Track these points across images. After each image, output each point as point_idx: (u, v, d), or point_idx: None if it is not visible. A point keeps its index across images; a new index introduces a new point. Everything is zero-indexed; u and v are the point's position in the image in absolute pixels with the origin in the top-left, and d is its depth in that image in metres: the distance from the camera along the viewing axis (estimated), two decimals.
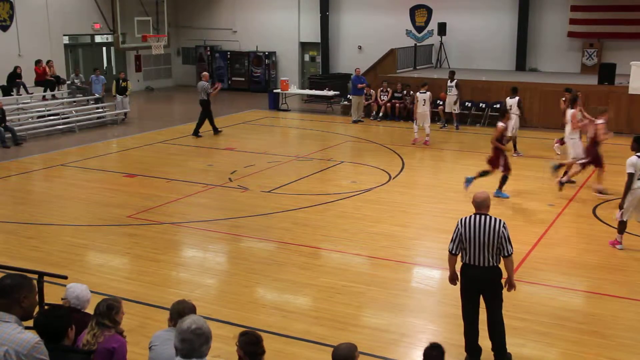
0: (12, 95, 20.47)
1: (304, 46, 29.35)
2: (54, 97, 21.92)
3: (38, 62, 21.35)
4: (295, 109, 24.64)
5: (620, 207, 9.64)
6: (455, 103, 19.92)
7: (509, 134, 16.18)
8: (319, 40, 28.32)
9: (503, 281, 6.53)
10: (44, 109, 20.60)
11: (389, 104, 21.82)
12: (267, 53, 28.98)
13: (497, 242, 6.28)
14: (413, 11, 26.65)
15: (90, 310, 5.17)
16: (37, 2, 24.15)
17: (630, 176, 9.36)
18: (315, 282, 8.70)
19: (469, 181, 12.57)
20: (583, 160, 12.66)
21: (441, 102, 20.37)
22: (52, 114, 20.27)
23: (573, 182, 13.40)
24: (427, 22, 26.44)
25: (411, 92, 20.84)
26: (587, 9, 23.32)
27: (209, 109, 19.00)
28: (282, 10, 28.69)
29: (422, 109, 17.45)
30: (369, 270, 9.31)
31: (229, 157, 16.50)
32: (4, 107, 18.18)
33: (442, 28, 25.04)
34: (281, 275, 8.96)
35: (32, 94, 21.08)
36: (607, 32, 23.18)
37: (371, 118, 21.86)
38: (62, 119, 20.22)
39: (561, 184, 12.65)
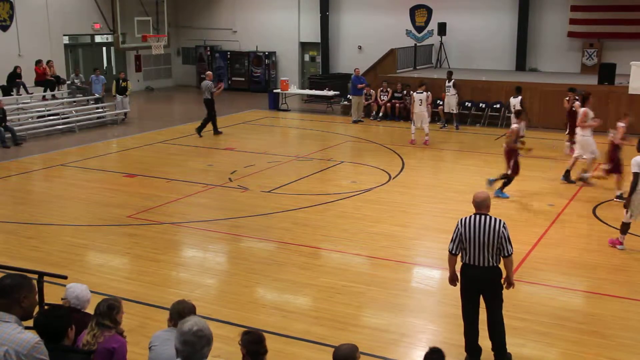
0: (12, 95, 20.46)
1: (304, 46, 29.35)
2: (54, 97, 21.92)
3: (38, 62, 21.35)
4: (295, 109, 24.65)
5: (625, 206, 9.60)
6: (456, 103, 19.92)
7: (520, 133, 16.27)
8: (319, 40, 28.32)
9: (503, 281, 6.53)
10: (44, 109, 20.60)
11: (389, 104, 21.82)
12: (267, 53, 28.98)
13: (497, 242, 6.28)
14: (413, 11, 26.65)
15: (90, 310, 5.18)
16: (37, 2, 24.15)
17: (636, 176, 9.31)
18: (315, 282, 8.70)
19: (490, 182, 12.53)
20: (606, 166, 12.50)
21: (441, 102, 20.38)
22: (52, 114, 20.27)
23: (573, 182, 13.42)
24: (427, 22, 26.44)
25: (411, 92, 20.82)
26: (587, 9, 23.31)
27: (213, 108, 19.00)
28: (282, 10, 28.70)
29: (419, 109, 17.45)
30: (369, 270, 9.31)
31: (229, 157, 16.50)
32: (5, 107, 18.18)
33: (442, 28, 25.04)
34: (281, 275, 8.96)
35: (32, 94, 21.08)
36: (607, 32, 23.17)
37: (371, 118, 21.86)
38: (62, 119, 20.22)
39: (583, 180, 12.71)
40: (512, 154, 12.43)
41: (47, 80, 21.53)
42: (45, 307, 5.28)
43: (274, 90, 24.84)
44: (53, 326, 4.02)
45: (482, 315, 6.57)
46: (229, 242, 10.54)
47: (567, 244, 10.22)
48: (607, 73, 19.55)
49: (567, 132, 16.67)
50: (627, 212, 9.55)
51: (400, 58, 23.43)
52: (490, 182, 12.56)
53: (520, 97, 16.43)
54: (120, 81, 21.74)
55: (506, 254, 6.34)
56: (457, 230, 6.44)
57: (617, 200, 12.17)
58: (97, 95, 22.14)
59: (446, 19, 25.22)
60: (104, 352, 4.50)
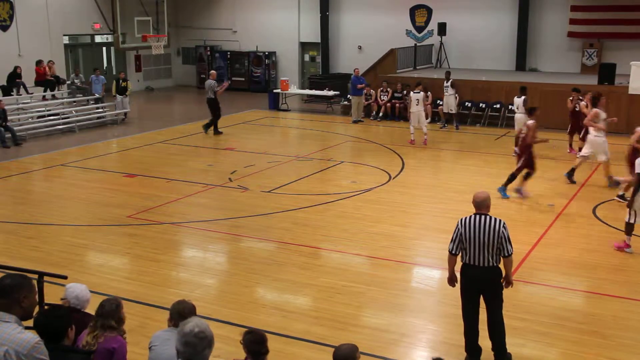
0: (12, 95, 20.47)
1: (304, 46, 29.35)
2: (54, 97, 21.92)
3: (39, 63, 21.36)
4: (295, 109, 24.65)
5: (628, 206, 9.58)
6: (454, 103, 19.92)
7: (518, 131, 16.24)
8: (319, 40, 28.32)
9: (502, 280, 6.53)
10: (44, 109, 20.60)
11: (389, 104, 21.82)
12: (267, 53, 28.98)
13: (497, 242, 6.28)
14: (413, 11, 26.65)
15: (90, 310, 5.17)
16: (37, 2, 24.15)
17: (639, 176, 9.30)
18: (315, 282, 8.70)
19: (518, 191, 12.47)
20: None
21: (441, 102, 20.39)
22: (52, 114, 20.27)
23: (574, 182, 13.38)
24: (427, 22, 26.44)
25: (411, 92, 20.84)
26: (587, 9, 23.31)
27: (218, 107, 19.02)
28: (282, 10, 28.70)
29: (415, 109, 17.45)
30: (369, 270, 9.31)
31: (229, 157, 16.50)
32: (5, 107, 18.17)
33: (442, 28, 25.04)
34: (281, 275, 8.96)
35: (32, 94, 21.08)
36: (607, 32, 23.17)
37: (371, 118, 21.87)
38: (62, 119, 20.22)
39: (616, 183, 12.69)
40: (526, 150, 12.35)
41: (47, 80, 21.53)
42: (45, 307, 5.27)
43: (274, 90, 24.85)
44: (53, 326, 4.02)
45: (482, 315, 6.57)
46: (229, 242, 10.54)
47: (567, 244, 10.22)
48: (607, 73, 19.54)
49: (568, 132, 16.67)
50: (629, 212, 9.50)
51: (400, 58, 23.43)
52: (519, 192, 12.46)
53: (524, 97, 16.31)
54: (120, 81, 21.74)
55: (506, 254, 6.34)
56: (457, 230, 6.44)
57: (619, 200, 12.15)
58: (97, 95, 22.14)
59: (446, 19, 25.22)
60: (104, 352, 4.50)
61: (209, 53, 30.22)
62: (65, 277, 6.40)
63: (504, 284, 6.54)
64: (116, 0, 21.90)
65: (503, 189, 12.47)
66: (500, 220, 6.36)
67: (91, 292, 5.43)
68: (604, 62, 21.57)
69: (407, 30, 26.73)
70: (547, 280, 8.77)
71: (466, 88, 20.82)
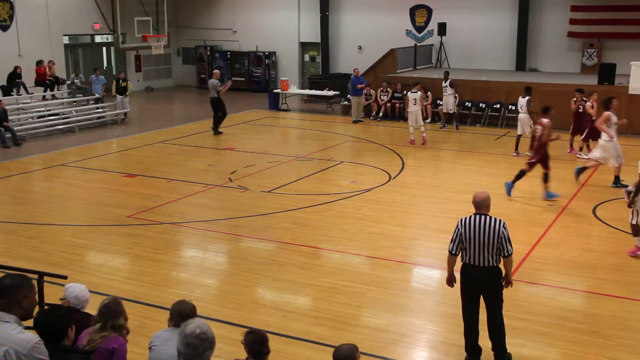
0: (12, 95, 20.47)
1: (304, 46, 29.35)
2: (54, 97, 21.92)
3: (39, 63, 21.36)
4: (295, 109, 24.65)
5: (629, 206, 9.56)
6: (454, 103, 19.92)
7: (522, 132, 16.17)
8: (319, 40, 28.32)
9: (502, 280, 6.54)
10: (44, 109, 20.61)
11: (389, 104, 21.82)
12: (267, 53, 28.98)
13: (497, 242, 6.28)
14: (413, 11, 26.65)
15: (89, 310, 5.17)
16: (37, 2, 24.16)
17: None
18: (315, 282, 8.70)
19: (550, 196, 12.36)
20: None
21: (441, 102, 20.38)
22: (52, 114, 20.28)
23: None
24: (427, 22, 26.45)
25: (409, 92, 20.85)
26: (587, 9, 23.31)
27: (219, 106, 19.04)
28: (282, 10, 28.70)
29: (413, 108, 17.46)
30: (369, 270, 9.31)
31: (229, 157, 16.51)
32: (5, 108, 18.17)
33: (442, 28, 25.04)
34: (281, 275, 8.96)
35: (32, 94, 21.09)
36: (607, 32, 23.18)
37: (371, 118, 21.87)
38: (62, 119, 20.22)
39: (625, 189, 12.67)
40: (541, 149, 12.27)
41: (46, 80, 21.53)
42: (45, 307, 5.27)
43: (274, 90, 24.85)
44: (53, 326, 4.02)
45: (482, 315, 6.57)
46: (229, 242, 10.54)
47: (567, 244, 10.22)
48: (607, 73, 19.54)
49: (570, 132, 16.63)
50: (632, 213, 9.46)
51: (400, 58, 23.44)
52: (549, 196, 12.37)
53: (528, 98, 16.14)
54: (120, 81, 21.74)
55: (506, 254, 6.34)
56: (457, 230, 6.44)
57: (622, 188, 12.01)
58: (97, 95, 22.15)
59: (446, 19, 25.22)
60: (104, 352, 4.50)
61: (209, 53, 30.22)
62: (65, 277, 6.40)
63: (503, 284, 6.54)
64: (116, 0, 21.90)
65: (510, 185, 12.38)
66: (500, 220, 6.36)
67: (91, 292, 5.43)
68: (604, 62, 21.57)
69: (407, 30, 26.73)
70: (547, 280, 8.77)
71: (466, 88, 20.82)
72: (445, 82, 19.85)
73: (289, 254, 9.74)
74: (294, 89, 24.91)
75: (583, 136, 15.88)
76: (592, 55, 23.53)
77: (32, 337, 3.62)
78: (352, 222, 11.13)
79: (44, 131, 19.51)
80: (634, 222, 9.42)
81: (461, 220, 6.47)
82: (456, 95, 20.03)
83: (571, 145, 16.66)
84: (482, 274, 6.39)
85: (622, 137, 14.47)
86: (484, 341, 6.61)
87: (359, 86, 21.29)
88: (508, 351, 6.61)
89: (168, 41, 25.03)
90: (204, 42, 30.37)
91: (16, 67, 20.82)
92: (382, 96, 21.90)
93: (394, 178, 14.15)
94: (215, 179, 14.02)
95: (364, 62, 24.12)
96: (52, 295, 6.06)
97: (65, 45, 26.10)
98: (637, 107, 18.51)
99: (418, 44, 25.57)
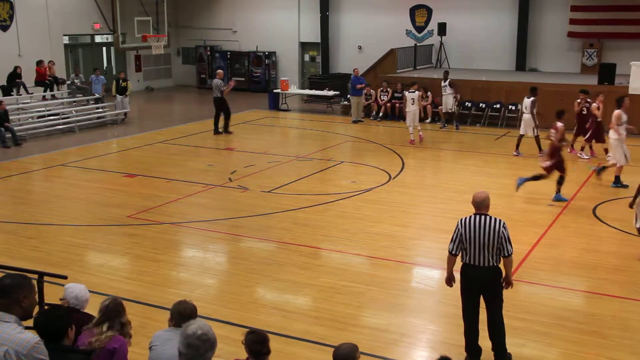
0: (12, 95, 20.47)
1: (304, 46, 29.35)
2: (53, 97, 21.92)
3: (40, 63, 21.36)
4: (295, 109, 24.65)
5: (631, 206, 9.54)
6: (455, 102, 19.90)
7: (524, 133, 16.09)
8: (319, 40, 28.32)
9: (502, 281, 6.53)
10: (44, 109, 20.61)
11: (389, 104, 21.82)
12: (267, 53, 28.98)
13: (497, 242, 6.28)
14: (413, 11, 26.65)
15: (89, 310, 5.17)
16: (37, 2, 24.15)
17: None
18: (315, 282, 8.70)
19: (558, 199, 12.24)
20: None
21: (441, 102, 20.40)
22: (52, 114, 20.28)
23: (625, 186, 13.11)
24: (427, 22, 26.44)
25: (406, 91, 20.85)
26: (587, 9, 23.31)
27: (223, 106, 19.08)
28: (282, 10, 28.69)
29: (411, 108, 17.48)
30: (369, 270, 9.31)
31: (229, 157, 16.51)
32: (6, 108, 18.17)
33: (442, 28, 25.04)
34: (281, 275, 8.96)
35: (32, 94, 21.09)
36: (607, 32, 23.18)
37: (371, 118, 21.87)
38: (62, 119, 20.22)
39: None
40: (556, 153, 12.19)
41: (46, 81, 21.53)
42: (45, 307, 5.27)
43: (274, 90, 24.85)
44: (53, 326, 4.02)
45: (482, 315, 6.57)
46: (229, 242, 10.54)
47: (567, 244, 10.22)
48: (607, 73, 19.54)
49: (574, 133, 16.57)
50: (635, 216, 9.39)
51: (400, 58, 23.43)
52: (557, 198, 12.25)
53: (532, 99, 15.97)
54: (120, 81, 21.74)
55: (506, 254, 6.34)
56: (457, 230, 6.44)
57: (622, 188, 11.91)
58: (97, 95, 22.15)
59: (446, 19, 25.22)
60: (105, 351, 4.50)
61: (209, 53, 30.22)
62: (65, 277, 6.40)
63: (503, 285, 6.54)
64: (116, 0, 21.90)
65: (523, 181, 12.29)
66: (500, 220, 6.36)
67: (91, 292, 5.43)
68: (604, 62, 21.57)
69: (407, 30, 26.73)
70: (547, 280, 8.77)
71: (466, 88, 20.82)
72: (444, 82, 19.85)
73: (289, 254, 9.74)
74: (294, 89, 24.91)
75: (586, 136, 15.76)
76: (592, 55, 23.53)
77: (32, 337, 3.62)
78: (352, 222, 11.13)
79: (44, 131, 19.51)
80: (638, 225, 9.38)
81: (461, 220, 6.47)
82: (456, 95, 20.03)
83: (572, 145, 16.62)
84: (482, 274, 6.39)
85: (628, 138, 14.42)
86: (484, 341, 6.61)
87: (359, 86, 21.29)
88: (508, 351, 6.61)
89: (168, 41, 25.03)
90: (204, 42, 30.37)
91: (16, 67, 20.82)
92: (382, 96, 21.90)
93: (394, 178, 14.15)
94: (215, 179, 14.02)
95: (364, 62, 24.12)
96: (52, 295, 6.06)
97: (65, 45, 26.11)
98: (637, 107, 18.49)
99: (418, 44, 25.57)
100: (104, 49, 28.85)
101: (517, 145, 16.32)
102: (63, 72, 24.37)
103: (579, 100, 16.27)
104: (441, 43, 25.29)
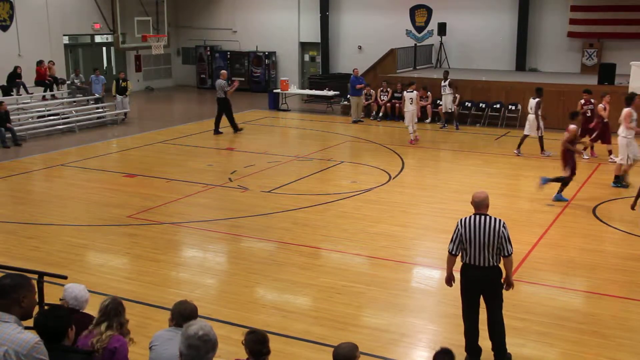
0: (12, 95, 20.47)
1: (304, 46, 29.35)
2: (53, 97, 21.92)
3: (40, 63, 21.36)
4: (295, 109, 24.65)
5: (632, 207, 9.53)
6: (454, 102, 19.90)
7: (529, 133, 16.04)
8: (319, 40, 28.32)
9: (503, 281, 6.53)
10: (44, 109, 20.61)
11: (389, 104, 21.82)
12: (267, 53, 28.98)
13: (497, 242, 6.28)
14: (413, 11, 26.65)
15: (90, 310, 5.17)
16: (37, 2, 24.15)
17: None
18: (315, 282, 8.70)
19: (558, 198, 12.19)
20: None
21: (441, 102, 20.37)
22: (52, 114, 20.28)
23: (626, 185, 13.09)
24: (427, 22, 26.44)
25: (405, 91, 20.83)
26: (587, 9, 23.31)
27: (226, 106, 19.11)
28: (282, 10, 28.69)
29: (410, 108, 17.49)
30: (369, 270, 9.31)
31: (229, 157, 16.51)
32: (7, 109, 18.17)
33: (442, 28, 25.04)
34: (281, 275, 8.96)
35: (32, 94, 21.09)
36: (607, 32, 23.17)
37: (371, 118, 21.87)
38: (62, 119, 20.23)
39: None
40: (569, 155, 12.14)
41: (46, 81, 21.53)
42: (45, 307, 5.27)
43: (274, 90, 24.85)
44: (53, 326, 4.02)
45: (482, 315, 6.57)
46: (229, 242, 10.54)
47: (567, 244, 10.22)
48: (607, 73, 19.53)
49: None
50: None
51: (400, 58, 23.43)
52: (544, 182, 12.22)
53: (538, 100, 15.84)
54: (120, 81, 21.74)
55: (506, 254, 6.34)
56: (457, 230, 6.44)
57: (623, 188, 11.83)
58: (97, 95, 22.15)
59: (446, 19, 25.22)
60: (105, 351, 4.50)
61: (209, 53, 30.21)
62: (65, 277, 6.40)
63: (504, 286, 6.54)
64: (116, 0, 21.89)
65: (547, 181, 12.22)
66: (500, 220, 6.36)
67: (91, 292, 5.43)
68: (604, 62, 21.55)
69: (407, 30, 26.72)
70: (547, 280, 8.77)
71: (466, 88, 20.81)
72: (444, 82, 19.85)
73: (289, 254, 9.74)
74: (294, 89, 24.91)
75: (592, 137, 15.59)
76: (592, 55, 23.52)
77: (32, 337, 3.62)
78: (352, 222, 11.13)
79: (44, 131, 19.51)
80: None
81: (461, 220, 6.47)
82: (456, 95, 20.02)
83: (591, 148, 16.43)
84: (482, 274, 6.39)
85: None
86: (484, 341, 6.61)
87: (358, 86, 21.28)
88: (508, 351, 6.61)
89: (168, 41, 25.01)
90: (204, 42, 30.37)
91: (16, 67, 20.82)
92: (382, 96, 21.90)
93: (394, 178, 14.15)
94: (215, 179, 14.02)
95: (364, 62, 24.12)
96: (52, 295, 6.06)
97: (65, 45, 26.10)
98: (638, 107, 18.47)
99: (418, 44, 25.56)
100: (104, 49, 28.85)
101: (519, 145, 16.26)
102: (63, 72, 24.36)
103: (582, 101, 16.15)
104: (441, 43, 25.28)
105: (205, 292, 8.54)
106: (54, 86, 22.02)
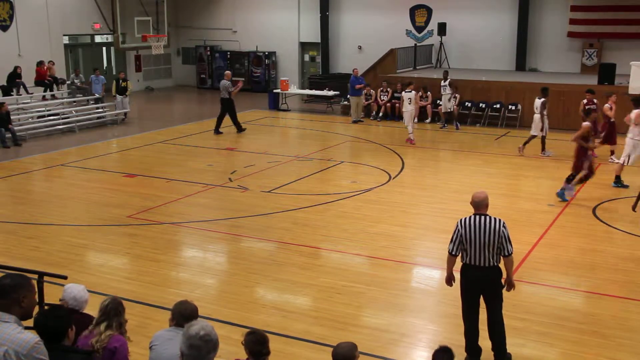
0: (12, 95, 20.47)
1: (304, 46, 29.35)
2: (53, 97, 21.92)
3: (40, 63, 21.35)
4: (295, 109, 24.64)
5: (633, 208, 9.52)
6: (449, 101, 19.88)
7: (535, 133, 16.01)
8: (319, 40, 28.32)
9: (503, 281, 6.53)
10: (44, 109, 20.61)
11: (388, 104, 21.82)
12: (267, 53, 28.97)
13: (497, 242, 6.28)
14: (413, 11, 26.64)
15: (90, 310, 5.17)
16: (37, 2, 24.15)
17: None
18: (315, 282, 8.70)
19: (561, 194, 12.17)
20: None
21: (440, 102, 20.38)
22: (52, 114, 20.28)
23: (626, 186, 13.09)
24: (427, 22, 26.44)
25: (403, 91, 20.83)
26: (587, 9, 23.31)
27: (230, 107, 19.13)
28: (282, 10, 28.69)
29: (408, 108, 17.51)
30: (369, 270, 9.31)
31: (229, 157, 16.51)
32: (8, 110, 18.17)
33: (442, 28, 25.04)
34: (281, 275, 8.96)
35: (32, 94, 21.09)
36: (607, 32, 23.17)
37: (371, 118, 21.87)
38: (62, 119, 20.22)
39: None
40: (582, 152, 12.12)
41: (46, 81, 21.53)
42: (45, 307, 5.27)
43: (274, 90, 24.85)
44: (53, 326, 4.01)
45: (482, 315, 6.57)
46: (229, 242, 10.54)
47: (567, 244, 10.22)
48: (607, 73, 19.53)
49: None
50: None
51: (400, 58, 23.43)
52: (561, 194, 12.22)
53: (543, 100, 15.77)
54: (120, 81, 21.74)
55: (506, 254, 6.34)
56: (457, 230, 6.44)
57: (623, 188, 11.83)
58: (97, 95, 22.15)
59: (446, 19, 25.22)
60: (105, 351, 4.50)
61: (209, 53, 30.21)
62: (65, 277, 6.40)
63: (505, 287, 6.54)
64: (116, 0, 21.89)
65: (571, 188, 12.27)
66: (500, 220, 6.36)
67: (91, 292, 5.43)
68: (604, 62, 21.55)
69: (407, 30, 26.72)
70: (547, 280, 8.77)
71: (466, 88, 20.81)
72: (444, 82, 19.85)
73: (289, 254, 9.74)
74: (294, 89, 24.91)
75: (601, 140, 15.45)
76: (592, 55, 23.52)
77: (32, 337, 3.62)
78: (352, 222, 11.13)
79: (44, 131, 19.51)
80: None
81: (461, 220, 6.46)
82: (455, 95, 20.02)
83: (611, 152, 16.33)
84: (482, 274, 6.39)
85: (623, 137, 14.41)
86: (484, 341, 6.61)
87: (358, 86, 21.28)
88: (508, 351, 6.61)
89: (168, 41, 25.00)
90: (204, 42, 30.37)
91: (16, 67, 20.82)
92: (382, 96, 21.90)
93: (393, 178, 14.14)
94: (215, 179, 14.02)
95: (364, 62, 24.12)
96: (52, 295, 6.06)
97: (65, 45, 26.10)
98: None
99: (418, 44, 25.56)
100: (104, 49, 28.85)
101: (524, 144, 16.14)
102: (63, 72, 24.36)
103: (585, 101, 16.10)
104: (441, 43, 25.28)
105: (205, 292, 8.54)
106: (54, 86, 22.03)
